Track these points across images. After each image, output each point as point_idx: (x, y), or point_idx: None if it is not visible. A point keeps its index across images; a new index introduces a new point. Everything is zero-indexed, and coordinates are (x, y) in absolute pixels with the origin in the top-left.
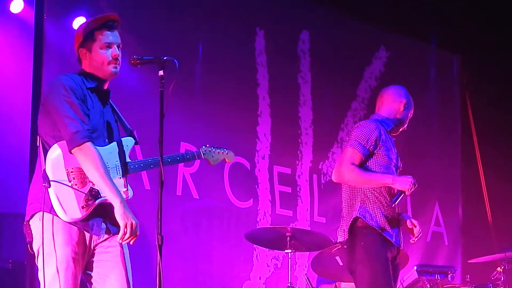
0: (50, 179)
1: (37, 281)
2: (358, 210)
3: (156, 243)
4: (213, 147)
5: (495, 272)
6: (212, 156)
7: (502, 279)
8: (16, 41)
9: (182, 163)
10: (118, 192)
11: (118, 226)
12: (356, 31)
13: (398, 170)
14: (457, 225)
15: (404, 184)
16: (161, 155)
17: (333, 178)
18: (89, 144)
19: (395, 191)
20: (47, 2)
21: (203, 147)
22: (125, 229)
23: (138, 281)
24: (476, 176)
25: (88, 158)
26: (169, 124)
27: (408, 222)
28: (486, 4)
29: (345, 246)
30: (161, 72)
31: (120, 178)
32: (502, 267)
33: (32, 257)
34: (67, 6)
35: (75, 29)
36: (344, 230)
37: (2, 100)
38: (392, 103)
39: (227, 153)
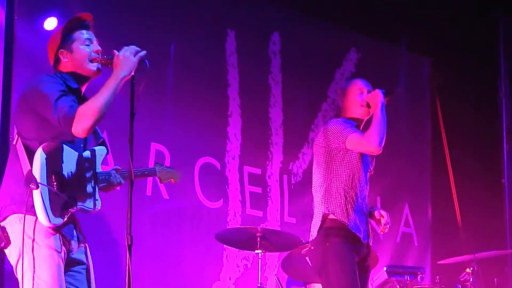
0: (38, 181)
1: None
2: (329, 208)
3: (126, 243)
4: (165, 167)
5: (464, 273)
6: (164, 175)
7: (471, 280)
8: None
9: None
10: (112, 82)
11: (83, 235)
12: (327, 32)
13: (369, 173)
14: (427, 226)
15: (376, 99)
16: (131, 154)
17: (378, 151)
18: (77, 109)
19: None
20: (18, 2)
21: (157, 165)
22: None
23: (107, 282)
24: (445, 178)
25: (88, 113)
26: (139, 124)
27: (376, 213)
28: (458, 7)
29: (312, 247)
30: (132, 72)
31: (94, 187)
32: (471, 268)
33: None
34: (39, 7)
35: (46, 29)
36: (312, 230)
37: None
38: (340, 106)
39: (174, 173)
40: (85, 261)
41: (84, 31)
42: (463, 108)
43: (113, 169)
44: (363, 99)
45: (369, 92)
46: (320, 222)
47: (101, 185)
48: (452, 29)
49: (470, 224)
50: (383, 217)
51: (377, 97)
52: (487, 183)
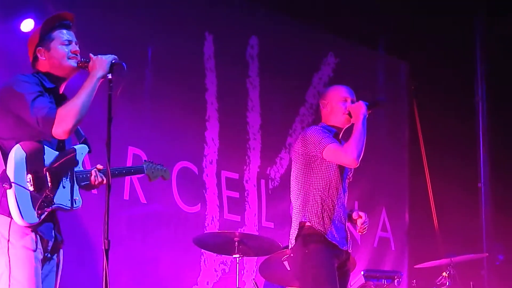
0: (12, 181)
1: None
2: (305, 215)
3: (103, 248)
4: (154, 164)
5: (441, 277)
6: (152, 172)
7: (447, 284)
8: None
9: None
10: (89, 82)
11: (61, 236)
12: (305, 37)
13: (348, 180)
14: (404, 231)
15: (359, 111)
16: (109, 158)
17: (355, 165)
18: (57, 111)
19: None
20: None
21: (145, 162)
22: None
23: (84, 286)
24: (422, 182)
25: (68, 114)
26: (117, 128)
27: (354, 214)
28: (434, 11)
29: (292, 254)
30: (109, 75)
31: (73, 186)
32: (448, 272)
33: None
34: (15, 8)
35: (23, 31)
36: (291, 237)
37: None
38: (322, 111)
39: (165, 171)
40: (56, 264)
41: (64, 31)
42: (440, 112)
43: (94, 168)
44: (345, 107)
45: (352, 101)
46: (297, 230)
47: (82, 183)
48: (429, 33)
49: (446, 228)
50: (360, 218)
51: (360, 108)
52: (464, 187)
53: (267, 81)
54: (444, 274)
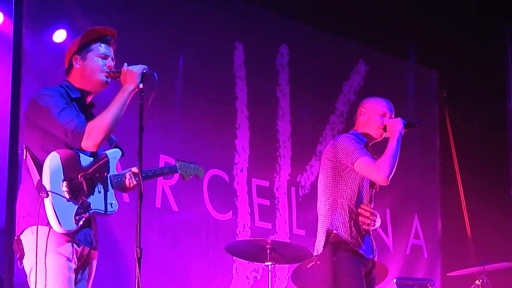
0: (48, 189)
1: None
2: (333, 223)
3: (135, 256)
4: (187, 162)
5: (474, 285)
6: (186, 171)
7: None
8: None
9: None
10: (120, 96)
11: (97, 242)
12: (335, 45)
13: (375, 190)
14: (436, 238)
15: (395, 128)
16: (140, 167)
17: (385, 183)
18: (87, 124)
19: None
20: (26, 14)
21: (178, 161)
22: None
23: None
24: (454, 190)
25: (98, 128)
26: (148, 136)
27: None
28: (465, 19)
29: (319, 262)
30: (140, 85)
31: (108, 190)
32: (481, 280)
33: (9, 270)
34: (47, 19)
35: (55, 42)
36: (318, 245)
37: None
38: (358, 118)
39: (198, 169)
40: (88, 274)
41: (103, 45)
42: (471, 120)
43: (128, 171)
44: (382, 121)
45: (390, 118)
46: (325, 237)
47: (116, 186)
48: (460, 41)
49: (479, 235)
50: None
51: (398, 125)
52: (496, 194)
53: (297, 89)
54: (477, 282)
